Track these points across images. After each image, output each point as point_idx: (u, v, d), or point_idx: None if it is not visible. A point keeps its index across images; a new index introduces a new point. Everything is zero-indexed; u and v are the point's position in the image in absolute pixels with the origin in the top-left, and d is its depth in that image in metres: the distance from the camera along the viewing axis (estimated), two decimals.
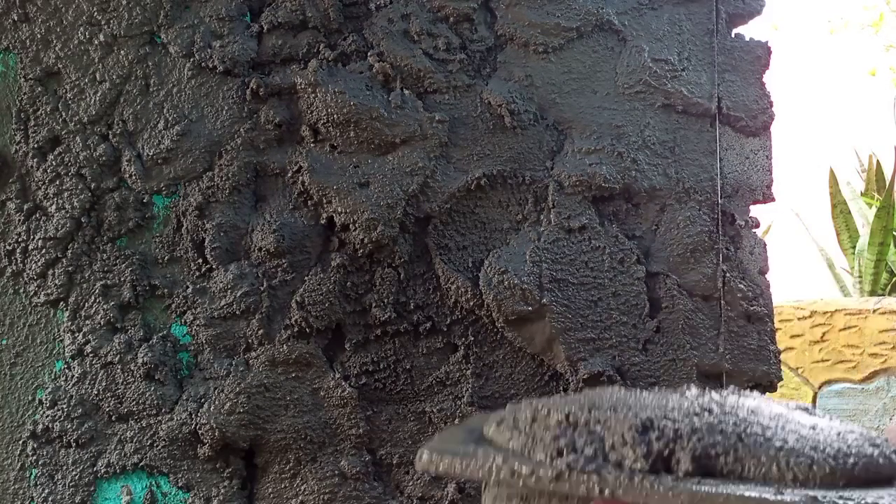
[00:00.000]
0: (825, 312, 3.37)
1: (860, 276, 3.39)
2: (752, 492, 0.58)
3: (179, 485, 1.21)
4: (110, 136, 1.23)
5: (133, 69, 1.23)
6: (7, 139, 1.24)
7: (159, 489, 1.22)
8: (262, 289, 1.21)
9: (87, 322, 1.22)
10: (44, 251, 1.22)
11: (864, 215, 3.52)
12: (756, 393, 0.79)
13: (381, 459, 1.24)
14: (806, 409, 0.75)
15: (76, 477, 1.21)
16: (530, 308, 1.21)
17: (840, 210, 3.49)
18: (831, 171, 3.50)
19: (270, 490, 1.22)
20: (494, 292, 1.20)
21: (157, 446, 1.21)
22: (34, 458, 1.22)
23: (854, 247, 3.44)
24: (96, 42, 1.23)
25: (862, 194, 3.65)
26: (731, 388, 0.77)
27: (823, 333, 3.37)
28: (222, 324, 1.22)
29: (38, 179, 1.23)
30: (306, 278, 1.22)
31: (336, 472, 1.22)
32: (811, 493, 0.59)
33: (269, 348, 1.21)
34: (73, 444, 1.21)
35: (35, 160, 1.23)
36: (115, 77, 1.23)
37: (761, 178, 1.35)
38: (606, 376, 1.21)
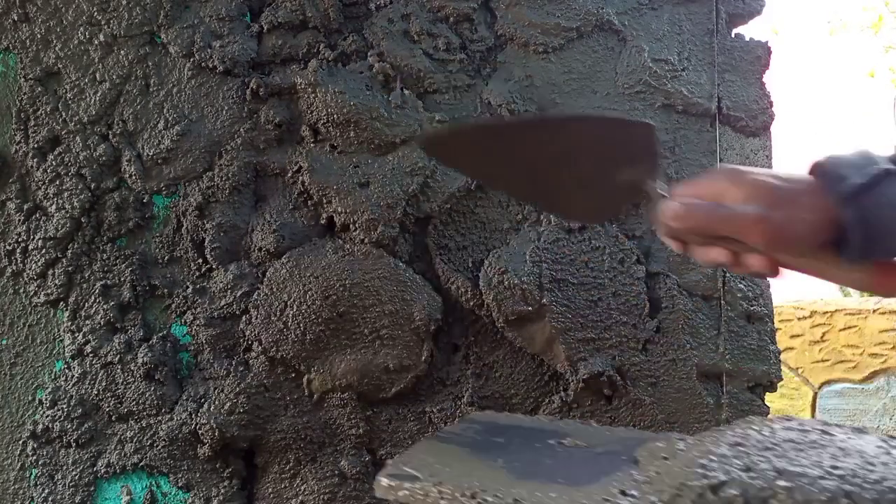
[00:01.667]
0: (825, 312, 3.37)
1: None
2: None
3: (179, 485, 1.21)
4: (110, 136, 1.23)
5: (133, 69, 1.23)
6: (7, 139, 1.24)
7: (159, 489, 1.22)
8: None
9: (87, 322, 1.22)
10: (44, 251, 1.21)
11: None
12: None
13: (381, 459, 1.24)
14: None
15: (76, 477, 1.21)
16: (530, 308, 1.20)
17: None
18: None
19: (270, 490, 1.22)
20: (494, 292, 1.20)
21: (157, 446, 1.21)
22: (34, 458, 1.22)
23: None
24: (96, 42, 1.23)
25: None
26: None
27: (823, 333, 3.37)
28: (222, 324, 1.22)
29: (38, 179, 1.23)
30: None
31: (336, 472, 1.22)
32: None
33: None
34: (73, 444, 1.21)
35: (35, 160, 1.23)
36: (115, 77, 1.23)
37: None
38: (606, 376, 1.21)
